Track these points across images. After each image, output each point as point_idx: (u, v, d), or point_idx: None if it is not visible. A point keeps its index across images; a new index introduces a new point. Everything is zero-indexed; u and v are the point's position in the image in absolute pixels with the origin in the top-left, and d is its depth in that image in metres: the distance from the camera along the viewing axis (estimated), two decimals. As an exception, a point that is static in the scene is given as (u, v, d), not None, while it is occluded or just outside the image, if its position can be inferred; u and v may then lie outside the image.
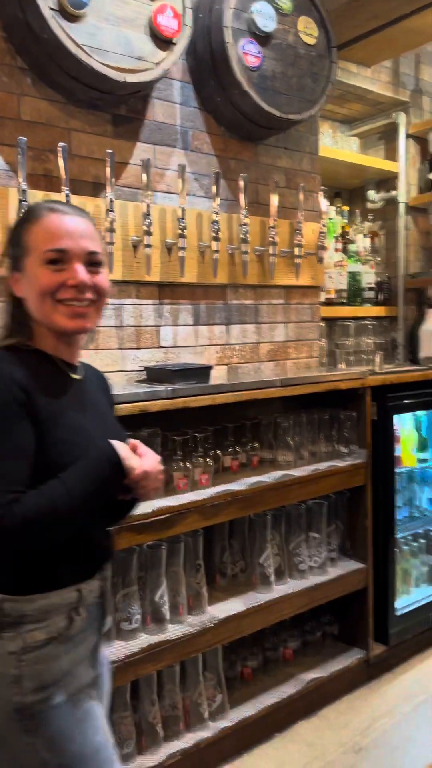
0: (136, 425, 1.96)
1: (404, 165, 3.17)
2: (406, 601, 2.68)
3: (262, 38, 2.13)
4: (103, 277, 1.17)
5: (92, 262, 1.15)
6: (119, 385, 2.01)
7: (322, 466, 2.29)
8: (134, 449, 1.17)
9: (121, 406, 1.76)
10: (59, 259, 1.12)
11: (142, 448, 1.18)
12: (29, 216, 1.16)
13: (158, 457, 1.20)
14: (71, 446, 1.11)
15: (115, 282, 2.03)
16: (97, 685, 1.21)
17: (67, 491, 1.04)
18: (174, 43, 1.92)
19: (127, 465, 1.11)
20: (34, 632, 1.09)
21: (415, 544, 2.83)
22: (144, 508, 1.83)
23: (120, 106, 2.01)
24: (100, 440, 1.14)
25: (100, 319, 1.20)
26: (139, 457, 1.15)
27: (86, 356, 1.98)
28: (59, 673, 1.10)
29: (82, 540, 1.14)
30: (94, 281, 1.14)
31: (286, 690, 2.22)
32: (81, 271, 1.12)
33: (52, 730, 1.08)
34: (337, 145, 3.09)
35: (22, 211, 1.46)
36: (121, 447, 1.12)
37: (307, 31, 2.25)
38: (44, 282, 1.12)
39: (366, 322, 2.94)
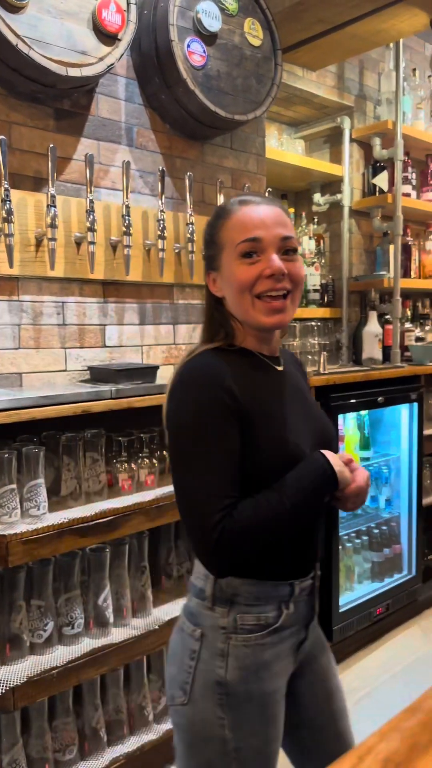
0: (79, 426, 1.92)
1: (348, 169, 3.23)
2: (349, 597, 2.73)
3: (208, 38, 2.13)
4: (299, 265, 1.15)
5: (287, 249, 1.13)
6: (61, 386, 1.97)
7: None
8: (348, 463, 1.15)
9: (63, 406, 1.72)
10: (254, 250, 1.10)
11: (354, 463, 1.17)
12: (221, 213, 1.16)
13: (367, 473, 1.18)
14: (280, 442, 1.10)
15: (57, 279, 1.99)
16: (302, 674, 1.23)
17: (282, 502, 1.04)
18: (118, 39, 1.89)
19: (341, 479, 1.10)
20: (245, 615, 1.12)
21: (358, 541, 2.88)
22: (86, 510, 1.80)
23: (63, 101, 1.97)
24: (307, 434, 1.15)
25: (295, 311, 1.18)
26: (352, 472, 1.14)
27: (25, 355, 1.94)
28: (261, 663, 1.12)
29: (297, 539, 1.14)
30: (290, 269, 1.12)
31: (232, 689, 2.22)
32: (276, 260, 1.10)
33: (242, 717, 1.10)
34: (283, 147, 3.12)
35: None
36: (335, 460, 1.11)
37: (253, 32, 2.26)
38: (241, 276, 1.10)
39: (312, 323, 2.98)
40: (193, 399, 1.08)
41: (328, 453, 1.12)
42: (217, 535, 1.00)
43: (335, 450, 1.21)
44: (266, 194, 2.62)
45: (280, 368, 1.20)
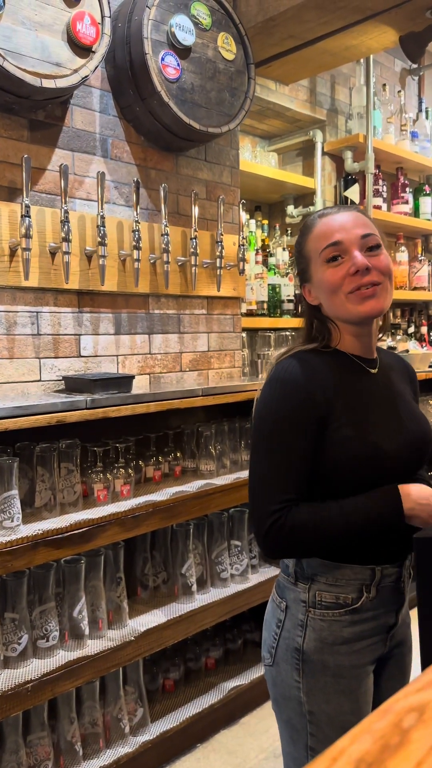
0: (53, 437, 1.91)
1: (321, 182, 3.28)
2: (325, 605, 2.74)
3: (182, 51, 2.15)
4: (383, 258, 1.18)
5: (369, 246, 1.17)
6: (35, 396, 1.96)
7: (244, 474, 2.31)
8: None
9: (37, 417, 1.71)
10: (337, 253, 1.17)
11: None
12: (305, 230, 1.25)
13: None
14: (360, 441, 1.14)
15: (31, 289, 1.99)
16: (387, 664, 1.27)
17: (339, 521, 1.11)
18: (93, 51, 1.90)
19: (414, 516, 1.12)
20: (324, 593, 1.19)
21: None
22: (61, 521, 1.79)
23: (37, 112, 1.98)
24: (396, 435, 1.18)
25: (390, 300, 1.21)
26: None
27: (0, 365, 1.92)
28: (339, 639, 1.18)
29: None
30: (374, 263, 1.16)
31: (208, 700, 2.21)
32: (358, 256, 1.15)
33: (315, 684, 1.18)
34: (257, 159, 3.16)
35: None
36: (416, 493, 1.12)
37: (226, 47, 2.29)
38: (329, 279, 1.17)
39: (286, 332, 3.01)
40: (278, 398, 1.16)
41: (420, 489, 1.13)
42: (270, 523, 1.11)
43: (426, 453, 1.26)
44: (240, 206, 2.65)
45: (373, 371, 1.24)
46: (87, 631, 1.86)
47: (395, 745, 0.37)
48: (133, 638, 1.93)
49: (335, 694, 1.18)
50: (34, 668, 1.74)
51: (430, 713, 0.39)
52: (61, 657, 1.79)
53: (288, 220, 3.41)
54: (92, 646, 1.86)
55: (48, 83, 1.80)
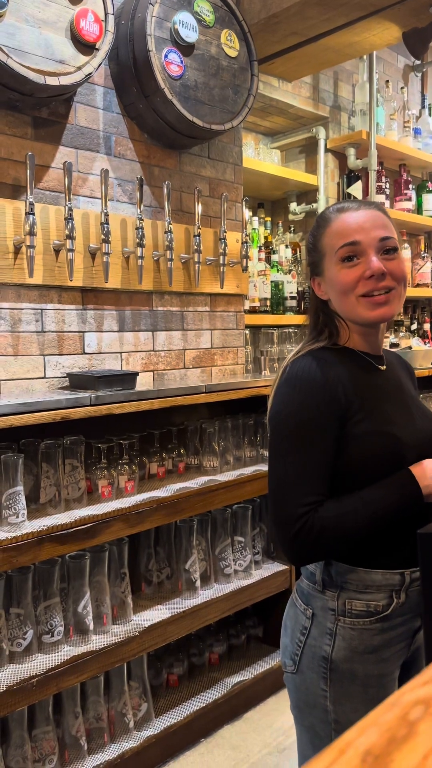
0: (58, 433, 1.92)
1: (324, 179, 3.28)
2: None
3: (185, 48, 2.15)
4: (398, 263, 1.18)
5: (386, 249, 1.16)
6: (40, 393, 1.97)
7: (247, 470, 2.32)
8: None
9: (42, 413, 1.72)
10: (353, 254, 1.16)
11: None
12: (321, 222, 1.23)
13: None
14: (380, 436, 1.15)
15: (35, 286, 2.00)
16: (410, 668, 1.25)
17: (361, 512, 1.10)
18: (96, 48, 1.91)
19: (430, 493, 1.13)
20: (355, 601, 1.18)
21: None
22: (65, 517, 1.80)
23: (41, 109, 1.98)
24: (410, 429, 1.18)
25: (401, 306, 1.21)
26: None
27: (3, 362, 1.94)
28: (370, 647, 1.16)
29: (406, 527, 1.14)
30: (390, 268, 1.16)
31: (212, 695, 2.23)
32: (375, 261, 1.14)
33: (343, 693, 1.16)
34: (260, 156, 3.16)
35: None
36: (429, 469, 1.13)
37: (230, 43, 2.29)
38: (343, 280, 1.16)
39: (289, 329, 3.01)
40: (294, 400, 1.15)
41: (425, 466, 1.14)
42: (299, 527, 1.08)
43: None
44: (243, 203, 2.66)
45: (382, 367, 1.25)
46: (91, 627, 1.88)
47: (402, 737, 0.37)
48: (137, 633, 1.94)
49: (362, 704, 1.16)
50: (39, 663, 1.76)
51: (436, 705, 0.40)
52: (66, 652, 1.81)
53: (291, 217, 3.41)
54: (97, 642, 1.87)
55: (52, 81, 1.80)
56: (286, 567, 2.45)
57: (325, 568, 1.20)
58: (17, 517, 1.71)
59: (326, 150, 3.30)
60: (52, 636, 1.81)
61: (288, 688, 1.27)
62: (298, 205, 3.39)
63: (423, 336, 3.54)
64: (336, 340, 1.24)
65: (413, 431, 1.20)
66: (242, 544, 2.34)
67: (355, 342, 1.24)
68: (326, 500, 1.12)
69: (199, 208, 2.35)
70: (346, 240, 1.16)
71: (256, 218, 3.18)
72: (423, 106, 3.82)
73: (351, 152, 3.25)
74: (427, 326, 3.66)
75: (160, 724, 2.07)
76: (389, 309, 1.17)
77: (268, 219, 3.30)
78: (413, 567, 1.18)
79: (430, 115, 3.79)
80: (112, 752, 1.93)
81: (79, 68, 1.87)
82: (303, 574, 1.28)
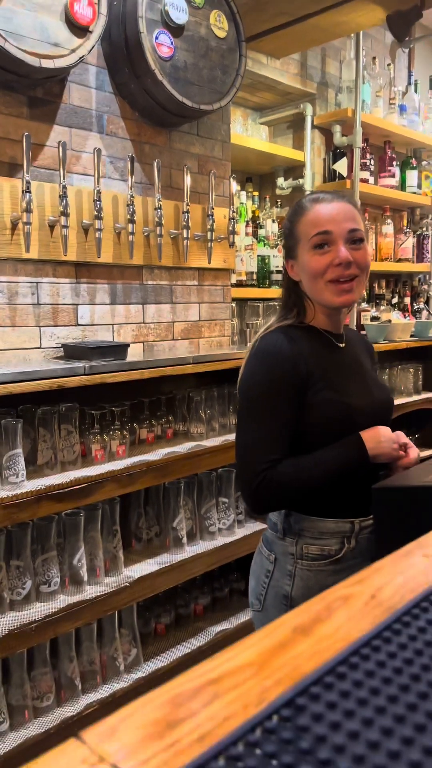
0: (53, 400, 2.05)
1: (310, 155, 3.36)
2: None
3: (175, 29, 2.22)
4: (364, 253, 1.32)
5: (354, 240, 1.30)
6: (36, 362, 2.09)
7: (232, 437, 2.46)
8: (403, 444, 1.35)
9: (39, 382, 1.84)
10: (325, 242, 1.29)
11: (410, 443, 1.37)
12: (298, 210, 1.36)
13: (418, 452, 1.38)
14: (335, 404, 1.30)
15: (31, 261, 2.10)
16: None
17: (315, 470, 1.26)
18: (90, 31, 1.98)
19: (378, 455, 1.29)
20: (311, 546, 1.34)
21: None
22: (62, 478, 1.94)
23: (36, 89, 2.06)
24: (363, 400, 1.34)
25: (363, 292, 1.37)
26: (407, 450, 1.34)
27: (1, 333, 2.05)
28: (324, 586, 1.40)
29: (358, 482, 1.30)
30: (356, 257, 1.30)
31: (196, 642, 2.41)
32: (343, 250, 1.28)
33: None
34: (248, 132, 3.23)
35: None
36: (377, 440, 1.29)
37: (219, 24, 2.36)
38: (314, 265, 1.30)
39: (274, 302, 3.12)
40: (262, 371, 1.31)
41: (377, 432, 1.31)
42: (259, 480, 1.25)
43: (390, 412, 1.44)
44: (231, 179, 2.75)
45: (341, 345, 1.41)
46: (86, 578, 2.03)
47: (324, 618, 0.52)
48: (128, 584, 2.10)
49: None
50: (38, 611, 1.91)
51: (351, 600, 0.55)
52: (62, 601, 1.96)
53: (278, 191, 3.49)
54: (90, 592, 2.03)
55: (47, 63, 1.88)
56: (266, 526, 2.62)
57: (285, 518, 1.37)
58: (17, 477, 1.85)
59: (313, 126, 3.37)
60: (49, 586, 1.96)
61: (255, 625, 1.44)
62: (285, 180, 3.47)
63: (403, 309, 3.68)
64: (303, 319, 1.39)
65: (367, 401, 1.36)
66: (226, 505, 2.50)
67: (320, 321, 1.39)
68: (285, 459, 1.28)
69: (188, 184, 2.44)
70: (318, 229, 1.30)
71: (244, 192, 3.27)
72: (409, 83, 3.88)
73: (337, 129, 3.32)
74: (407, 300, 3.79)
75: (148, 668, 2.25)
76: (352, 296, 1.32)
77: (256, 193, 3.38)
78: (362, 516, 1.35)
79: (416, 91, 3.86)
80: (104, 692, 2.11)
81: (73, 51, 1.95)
82: (267, 525, 1.45)
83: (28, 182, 1.95)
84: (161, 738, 0.36)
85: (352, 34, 3.27)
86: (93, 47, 2.00)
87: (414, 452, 1.35)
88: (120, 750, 0.35)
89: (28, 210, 1.95)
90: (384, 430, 1.31)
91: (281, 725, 0.36)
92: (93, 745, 0.36)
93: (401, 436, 1.36)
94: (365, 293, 3.59)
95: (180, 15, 2.21)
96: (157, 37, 2.17)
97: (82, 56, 1.97)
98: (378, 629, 0.46)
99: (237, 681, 0.41)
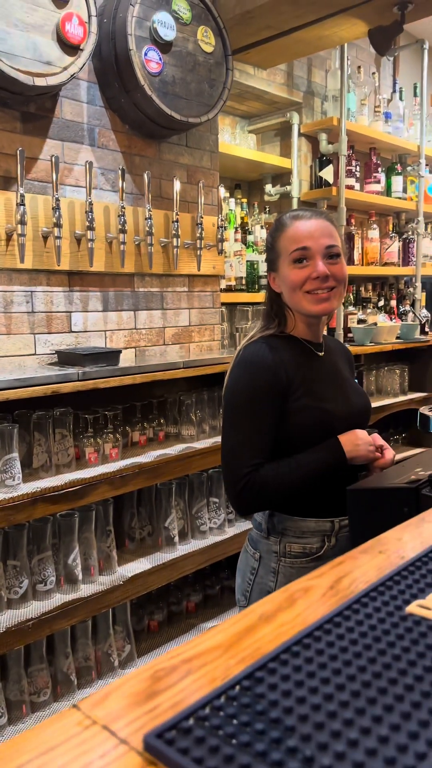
0: (48, 405, 2.12)
1: (297, 162, 3.44)
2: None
3: (163, 46, 2.30)
4: (340, 267, 1.41)
5: (331, 255, 1.39)
6: (31, 368, 2.16)
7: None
8: (380, 446, 1.44)
9: (35, 388, 1.92)
10: (304, 257, 1.38)
11: (386, 445, 1.45)
12: (279, 226, 1.44)
13: (393, 453, 1.46)
14: (314, 411, 1.38)
15: (26, 271, 2.17)
16: None
17: (296, 473, 1.34)
18: (81, 49, 2.05)
19: (355, 457, 1.38)
20: (293, 544, 1.42)
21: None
22: (56, 480, 2.01)
23: (29, 105, 2.13)
24: (342, 406, 1.43)
25: (341, 301, 1.47)
26: (383, 451, 1.43)
27: None
28: None
29: (336, 484, 1.37)
30: (333, 271, 1.39)
31: (189, 638, 2.48)
32: (320, 265, 1.37)
33: None
34: (236, 140, 3.31)
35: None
36: (354, 443, 1.37)
37: (206, 39, 2.43)
38: (293, 278, 1.39)
39: (263, 307, 3.20)
40: (245, 379, 1.40)
41: (354, 435, 1.40)
42: (243, 484, 1.34)
43: (368, 417, 1.53)
44: (219, 188, 2.83)
45: (320, 353, 1.50)
46: (80, 577, 2.10)
47: (285, 606, 0.60)
48: (121, 583, 2.17)
49: None
50: (34, 609, 1.98)
51: (312, 591, 0.63)
52: (58, 599, 2.03)
53: (266, 198, 3.57)
54: (85, 590, 2.10)
55: (40, 81, 1.95)
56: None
57: (269, 518, 1.45)
58: (13, 480, 1.92)
59: (300, 134, 3.45)
60: (45, 585, 2.04)
61: None
62: (273, 186, 3.55)
63: (389, 312, 3.76)
64: (284, 329, 1.48)
65: (344, 407, 1.44)
66: (217, 505, 2.58)
67: (300, 330, 1.48)
68: (267, 462, 1.36)
69: (177, 194, 2.52)
70: (298, 245, 1.39)
71: (232, 199, 3.34)
72: (394, 90, 3.97)
73: (323, 137, 3.41)
74: (393, 303, 3.88)
75: (142, 664, 2.32)
76: (330, 305, 1.41)
77: (245, 200, 3.46)
78: (342, 516, 1.43)
79: (401, 99, 3.94)
80: (99, 687, 2.18)
81: (65, 68, 2.02)
82: (253, 524, 1.53)
83: (22, 195, 2.02)
84: (143, 705, 0.44)
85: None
86: (84, 65, 2.07)
87: (389, 453, 1.44)
88: (109, 714, 0.43)
89: (22, 222, 2.02)
90: (361, 434, 1.40)
91: (241, 693, 0.44)
92: (86, 711, 0.43)
93: (377, 439, 1.45)
94: (352, 297, 3.68)
95: (168, 32, 2.29)
96: (146, 54, 2.24)
97: (74, 74, 2.04)
98: (330, 615, 0.54)
99: (207, 660, 0.49)
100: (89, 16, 2.06)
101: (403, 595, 0.58)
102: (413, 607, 0.56)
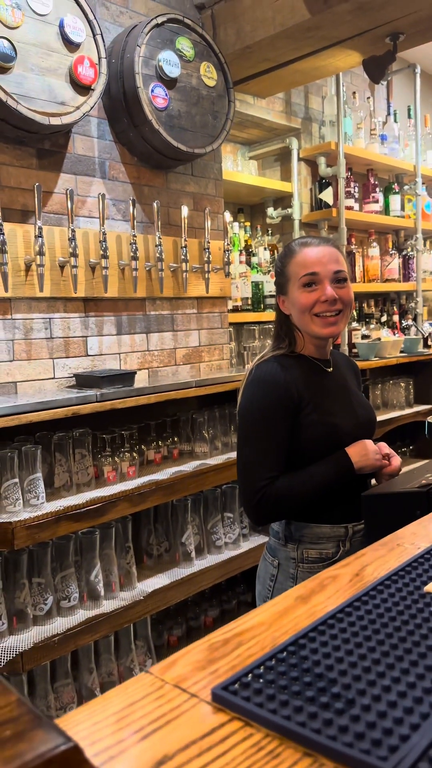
0: (68, 426, 2.21)
1: (297, 185, 3.56)
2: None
3: (169, 82, 2.42)
4: (347, 290, 1.51)
5: (338, 279, 1.49)
6: (51, 392, 2.25)
7: (234, 454, 2.61)
8: (386, 454, 1.53)
9: (56, 410, 2.00)
10: (313, 281, 1.47)
11: (392, 452, 1.54)
12: (288, 252, 1.54)
13: (400, 460, 1.55)
14: (324, 425, 1.47)
15: (44, 299, 2.27)
16: None
17: (307, 485, 1.42)
18: (92, 89, 2.17)
19: (363, 467, 1.45)
20: (310, 550, 1.49)
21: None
22: (78, 499, 2.09)
23: (44, 142, 2.25)
24: (349, 419, 1.51)
25: (347, 323, 1.57)
26: (389, 459, 1.51)
27: (19, 366, 2.21)
28: None
29: (349, 491, 1.46)
30: (340, 294, 1.48)
31: (208, 651, 2.54)
32: (329, 289, 1.47)
33: None
34: (238, 166, 3.43)
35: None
36: (361, 455, 1.46)
37: (208, 74, 2.56)
38: (303, 301, 1.48)
39: (269, 326, 3.30)
40: (259, 396, 1.48)
41: (360, 446, 1.48)
42: (259, 497, 1.42)
43: (373, 429, 1.61)
44: (224, 215, 2.94)
45: (329, 369, 1.59)
46: (102, 593, 2.16)
47: (318, 591, 0.68)
48: (141, 598, 2.23)
49: None
50: (59, 625, 2.04)
51: (339, 578, 0.71)
52: (81, 615, 2.10)
53: (268, 221, 3.69)
54: (107, 606, 2.16)
55: (55, 120, 2.07)
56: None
57: (286, 526, 1.53)
58: (38, 499, 2.00)
59: (299, 159, 3.58)
60: (69, 601, 2.10)
61: None
62: (274, 210, 3.67)
63: (392, 327, 3.86)
64: (294, 348, 1.57)
65: (351, 421, 1.53)
66: (231, 520, 2.65)
67: (309, 350, 1.57)
68: (281, 475, 1.44)
69: (184, 220, 2.63)
70: (307, 270, 1.48)
71: (236, 223, 3.46)
72: (389, 113, 4.11)
73: (322, 161, 3.53)
74: (396, 318, 3.97)
75: (163, 677, 2.37)
76: (337, 328, 1.51)
77: (248, 224, 3.58)
78: (355, 521, 1.51)
79: (395, 121, 4.08)
80: (123, 700, 2.24)
81: (78, 108, 2.14)
82: (270, 534, 1.61)
83: (40, 228, 2.12)
84: (205, 669, 0.52)
85: (333, 73, 3.49)
86: (95, 103, 2.19)
87: (396, 460, 1.53)
88: (178, 677, 0.51)
89: (41, 253, 2.13)
90: (368, 444, 1.48)
91: (289, 656, 0.52)
92: (158, 674, 0.51)
93: (384, 447, 1.53)
94: (355, 313, 3.78)
95: (173, 69, 2.41)
96: (152, 90, 2.36)
97: (86, 112, 2.16)
98: (359, 594, 0.62)
99: (255, 634, 0.57)
100: (99, 58, 2.19)
101: (421, 578, 0.65)
102: (431, 587, 0.63)
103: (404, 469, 1.60)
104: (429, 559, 0.69)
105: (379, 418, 3.41)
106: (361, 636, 0.54)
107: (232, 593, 2.81)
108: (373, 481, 1.61)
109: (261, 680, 0.48)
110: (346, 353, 3.42)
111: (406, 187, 4.14)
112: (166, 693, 0.48)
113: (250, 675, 0.48)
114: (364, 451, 1.47)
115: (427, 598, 0.62)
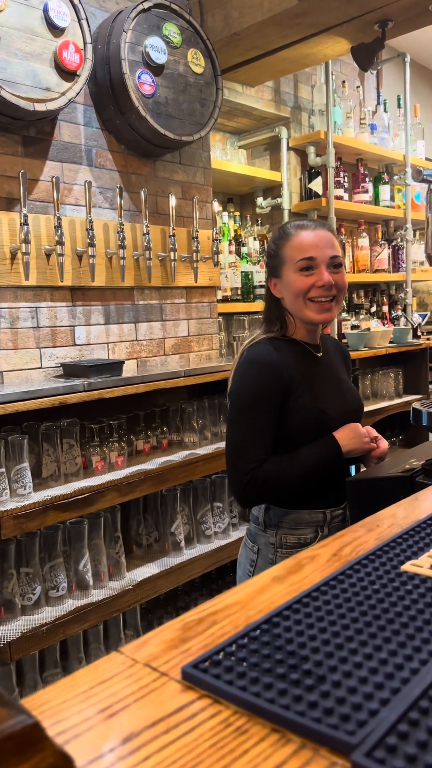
0: (55, 416, 2.19)
1: (287, 175, 3.55)
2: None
3: (156, 69, 2.40)
4: (342, 276, 1.50)
5: (334, 264, 1.47)
6: (38, 381, 2.24)
7: (223, 444, 2.60)
8: (374, 437, 1.52)
9: (43, 399, 1.99)
10: (309, 266, 1.45)
11: (379, 436, 1.54)
12: (283, 234, 1.52)
13: (387, 444, 1.55)
14: (311, 409, 1.46)
15: (30, 288, 2.25)
16: None
17: (297, 468, 1.42)
18: (78, 75, 2.15)
19: (351, 450, 1.45)
20: (288, 535, 1.50)
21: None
22: (66, 489, 2.08)
23: (29, 129, 2.22)
24: (337, 404, 1.51)
25: (339, 309, 1.55)
26: (377, 441, 1.51)
27: (5, 355, 2.20)
28: None
29: (328, 477, 1.46)
30: (336, 280, 1.47)
31: (198, 640, 2.54)
32: (326, 274, 1.45)
33: None
34: (227, 156, 3.41)
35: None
36: (349, 438, 1.46)
37: (196, 61, 2.54)
38: (299, 285, 1.46)
39: (259, 316, 3.29)
40: (250, 378, 1.47)
41: (349, 430, 1.48)
42: (247, 479, 1.42)
43: (360, 416, 1.60)
44: (213, 203, 2.92)
45: (319, 354, 1.59)
46: (91, 582, 2.16)
47: (294, 571, 0.67)
48: (131, 587, 2.23)
49: None
50: (48, 614, 2.04)
51: (317, 558, 0.70)
52: (70, 604, 2.09)
53: (258, 210, 3.67)
54: (96, 595, 2.16)
55: (40, 107, 2.05)
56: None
57: (265, 512, 1.54)
58: (25, 489, 1.99)
59: (288, 148, 3.56)
60: (58, 591, 2.10)
61: None
62: (264, 199, 3.66)
63: (381, 317, 3.86)
64: (285, 332, 1.55)
65: (339, 407, 1.53)
66: (220, 509, 2.65)
67: (300, 334, 1.56)
68: (269, 458, 1.44)
69: (173, 209, 2.61)
70: (304, 254, 1.47)
71: (226, 213, 3.44)
72: (378, 103, 4.09)
73: (311, 150, 3.51)
74: (385, 308, 3.97)
75: (153, 666, 2.38)
76: (331, 314, 1.51)
77: (237, 213, 3.56)
78: (333, 507, 1.52)
79: (385, 111, 4.06)
80: (112, 690, 2.24)
81: (63, 94, 2.12)
82: (251, 519, 1.61)
83: (25, 215, 2.10)
84: (177, 648, 0.52)
85: (322, 61, 3.46)
86: (81, 89, 2.16)
87: (384, 443, 1.53)
88: (149, 656, 0.50)
89: (26, 241, 2.11)
90: (355, 427, 1.48)
91: (262, 634, 0.51)
92: (129, 654, 0.51)
93: (371, 430, 1.53)
94: (345, 303, 3.77)
95: (160, 55, 2.39)
96: (139, 77, 2.34)
97: (71, 98, 2.13)
98: (335, 573, 0.62)
99: (229, 612, 0.57)
100: (84, 43, 2.16)
101: (399, 558, 0.65)
102: (407, 566, 0.63)
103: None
104: (407, 539, 0.69)
105: (369, 408, 3.42)
106: (336, 614, 0.54)
107: (222, 582, 2.82)
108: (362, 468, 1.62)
109: (232, 658, 0.48)
110: (336, 343, 3.41)
111: (395, 177, 4.13)
112: (136, 672, 0.48)
113: (221, 653, 0.48)
114: (353, 434, 1.47)
115: (403, 577, 0.61)
